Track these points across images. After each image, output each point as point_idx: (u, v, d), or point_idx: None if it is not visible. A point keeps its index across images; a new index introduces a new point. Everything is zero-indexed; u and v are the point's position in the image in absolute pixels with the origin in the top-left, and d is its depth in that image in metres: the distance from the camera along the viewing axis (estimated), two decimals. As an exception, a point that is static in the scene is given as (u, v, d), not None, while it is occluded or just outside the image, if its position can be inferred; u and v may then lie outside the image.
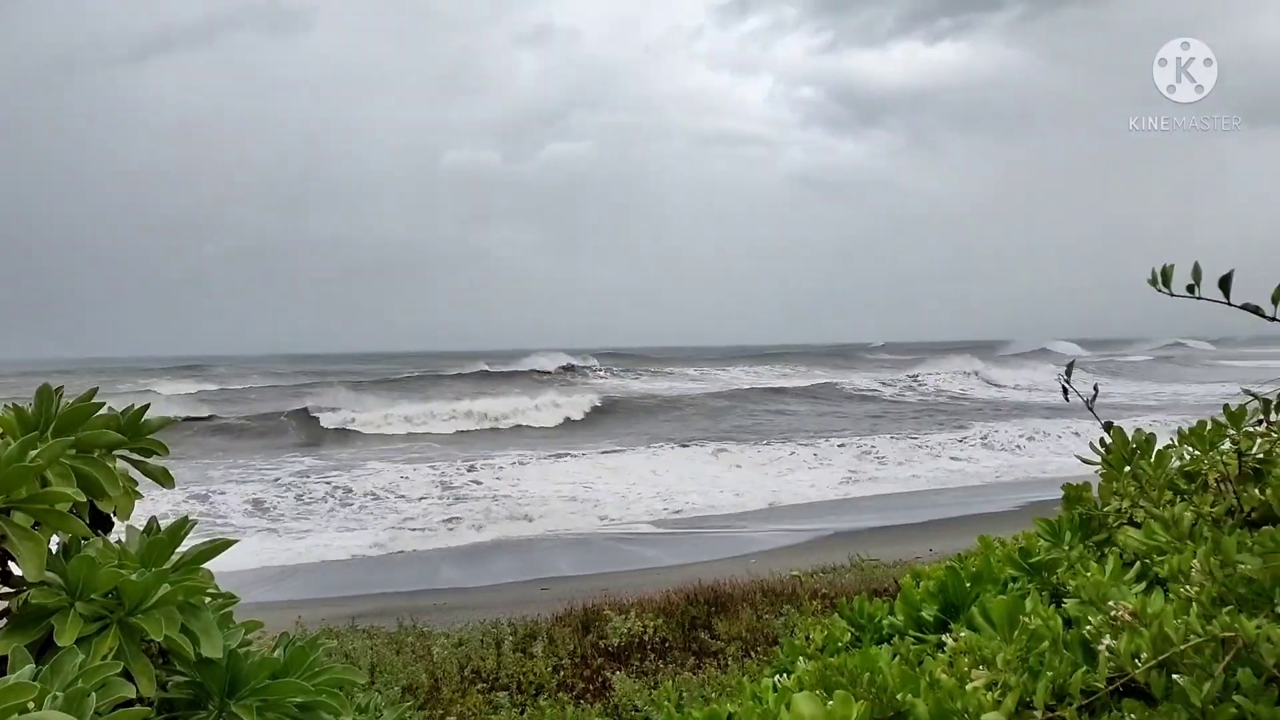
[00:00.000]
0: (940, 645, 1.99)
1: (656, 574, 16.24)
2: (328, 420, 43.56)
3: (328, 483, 28.37)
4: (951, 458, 33.02)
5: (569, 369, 77.04)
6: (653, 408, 52.15)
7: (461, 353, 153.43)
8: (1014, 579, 2.36)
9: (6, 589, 1.50)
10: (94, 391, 1.79)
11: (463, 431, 43.01)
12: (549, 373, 72.46)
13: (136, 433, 1.86)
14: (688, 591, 12.30)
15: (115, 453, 1.79)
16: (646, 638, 11.01)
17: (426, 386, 59.04)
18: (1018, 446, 34.63)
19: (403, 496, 26.61)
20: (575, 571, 17.86)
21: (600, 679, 10.04)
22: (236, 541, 1.77)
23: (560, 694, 9.74)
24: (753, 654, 10.24)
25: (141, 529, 1.71)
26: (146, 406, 1.90)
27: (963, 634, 1.82)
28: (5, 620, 1.48)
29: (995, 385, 67.09)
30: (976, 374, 71.58)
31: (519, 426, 44.84)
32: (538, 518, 23.27)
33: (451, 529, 22.29)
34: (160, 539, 1.58)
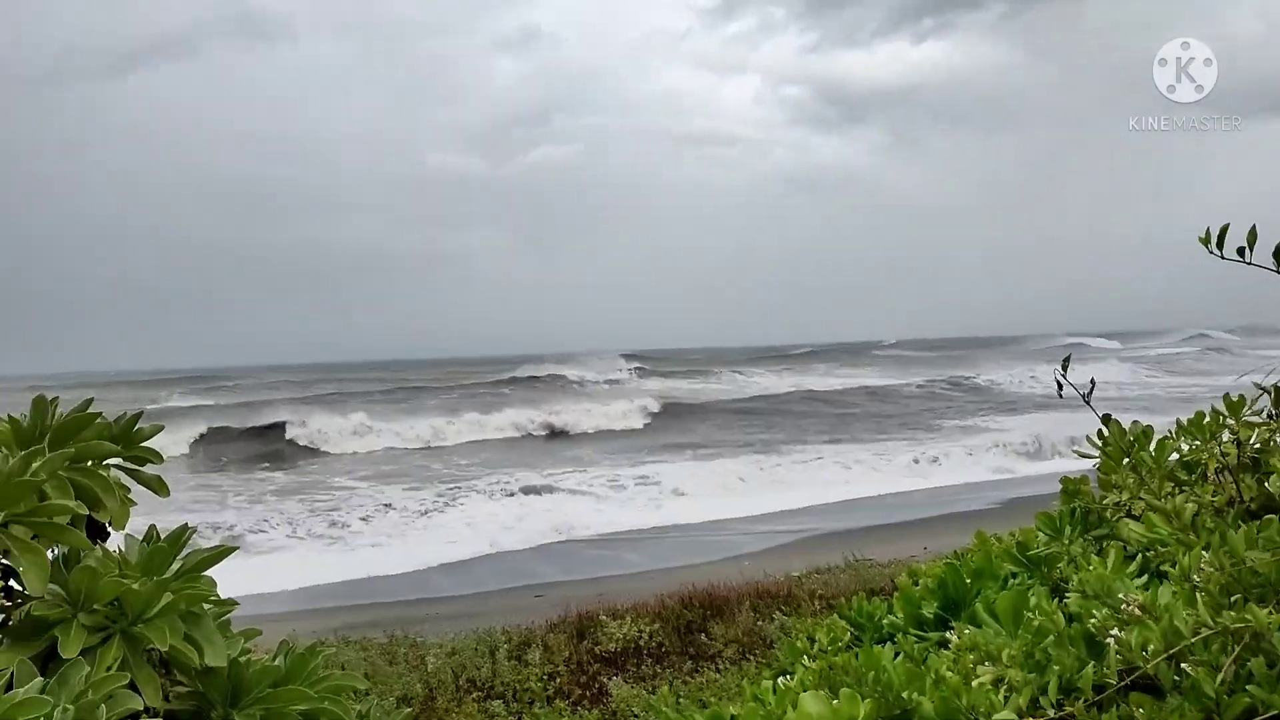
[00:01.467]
0: (942, 643, 1.99)
1: (649, 578, 16.21)
2: (318, 434, 43.21)
3: (316, 496, 28.29)
4: (970, 457, 32.25)
5: (617, 379, 73.74)
6: (679, 412, 51.14)
7: (460, 359, 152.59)
8: (1013, 574, 2.36)
9: (5, 602, 1.49)
10: (89, 402, 1.77)
11: (464, 443, 42.72)
12: (574, 381, 70.28)
13: (130, 441, 1.84)
14: (682, 595, 12.27)
15: (109, 462, 1.77)
16: (642, 643, 10.98)
17: (419, 398, 58.61)
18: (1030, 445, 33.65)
19: (391, 509, 26.43)
20: (569, 577, 17.82)
21: (596, 685, 10.01)
22: (237, 549, 1.76)
23: (557, 701, 9.71)
24: (750, 657, 10.22)
25: (140, 538, 1.69)
26: (140, 414, 1.88)
27: (966, 630, 1.82)
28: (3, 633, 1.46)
29: (1027, 382, 62.79)
30: (1004, 371, 68.32)
31: (530, 435, 44.61)
32: (532, 525, 23.15)
33: (446, 539, 22.15)
34: (161, 547, 1.56)
